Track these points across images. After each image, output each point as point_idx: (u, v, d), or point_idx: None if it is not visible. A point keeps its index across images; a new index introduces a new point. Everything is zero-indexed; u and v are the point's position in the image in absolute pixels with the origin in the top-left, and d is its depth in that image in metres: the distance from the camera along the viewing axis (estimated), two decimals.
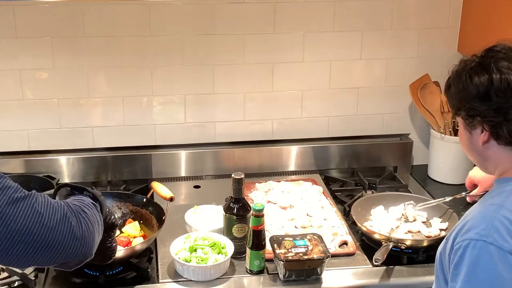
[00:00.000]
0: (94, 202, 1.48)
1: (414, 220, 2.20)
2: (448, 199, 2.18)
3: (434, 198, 2.34)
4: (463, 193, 2.10)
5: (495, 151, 1.44)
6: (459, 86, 1.45)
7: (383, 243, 2.00)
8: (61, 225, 1.28)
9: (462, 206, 2.33)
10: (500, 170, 1.47)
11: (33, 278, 1.87)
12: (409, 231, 2.13)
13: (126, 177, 2.51)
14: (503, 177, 1.46)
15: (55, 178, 2.40)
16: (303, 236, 1.99)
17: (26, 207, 1.23)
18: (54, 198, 1.45)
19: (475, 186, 2.04)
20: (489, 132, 1.42)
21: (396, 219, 2.20)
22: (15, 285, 1.87)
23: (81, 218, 1.34)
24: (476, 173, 2.01)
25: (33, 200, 1.26)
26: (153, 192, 2.21)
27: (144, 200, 2.16)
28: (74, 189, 1.53)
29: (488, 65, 1.40)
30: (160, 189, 2.16)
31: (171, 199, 2.11)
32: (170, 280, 1.92)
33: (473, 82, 1.41)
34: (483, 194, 2.00)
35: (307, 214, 2.25)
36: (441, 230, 2.13)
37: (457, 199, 2.16)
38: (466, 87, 1.43)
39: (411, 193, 2.43)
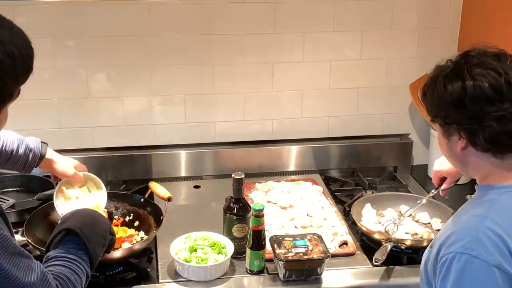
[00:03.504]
0: (85, 259, 1.52)
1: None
2: (423, 201, 2.15)
3: (434, 198, 2.34)
4: (433, 191, 2.07)
5: (474, 157, 1.43)
6: (434, 93, 1.44)
7: (383, 243, 2.00)
8: None
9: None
10: (480, 176, 1.47)
11: None
12: (406, 233, 2.13)
13: (126, 177, 2.51)
14: (484, 184, 1.46)
15: None
16: (303, 236, 1.99)
17: None
18: (53, 240, 1.53)
19: (443, 179, 2.01)
20: (466, 139, 1.41)
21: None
22: None
23: None
24: (442, 166, 1.98)
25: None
26: (151, 192, 2.20)
27: (142, 200, 2.16)
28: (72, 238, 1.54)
29: (461, 72, 1.39)
30: (158, 189, 2.16)
31: (169, 199, 2.11)
32: (170, 280, 1.92)
33: (447, 90, 1.40)
34: (455, 184, 1.99)
35: (307, 214, 2.25)
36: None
37: (431, 198, 2.15)
38: (441, 95, 1.42)
39: (411, 193, 2.43)
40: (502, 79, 1.36)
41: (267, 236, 1.99)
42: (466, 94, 1.37)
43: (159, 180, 2.42)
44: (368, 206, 2.24)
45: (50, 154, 1.99)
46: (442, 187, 2.01)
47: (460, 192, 2.34)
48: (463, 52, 1.44)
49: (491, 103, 1.35)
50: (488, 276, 1.29)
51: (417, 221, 2.21)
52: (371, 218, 2.19)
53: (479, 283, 1.30)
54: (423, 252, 1.99)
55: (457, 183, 2.02)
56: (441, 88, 1.42)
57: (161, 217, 2.04)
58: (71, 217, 1.59)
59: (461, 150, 1.43)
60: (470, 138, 1.40)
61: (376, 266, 1.95)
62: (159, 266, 1.98)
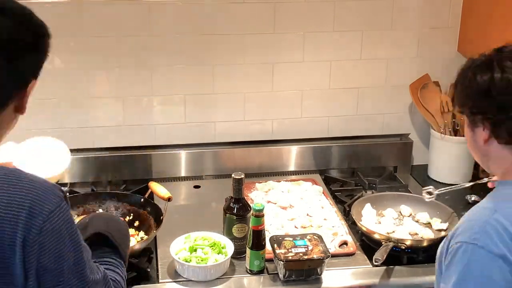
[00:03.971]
0: (120, 261, 1.50)
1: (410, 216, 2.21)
2: (468, 184, 2.19)
3: (434, 198, 2.35)
4: (485, 179, 2.04)
5: (496, 150, 1.44)
6: (464, 83, 1.46)
7: (383, 243, 2.00)
8: None
9: (462, 206, 2.33)
10: (502, 171, 1.47)
11: None
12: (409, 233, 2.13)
13: (126, 177, 2.51)
14: (504, 179, 1.46)
15: None
16: (303, 236, 1.99)
17: None
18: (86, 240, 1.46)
19: None
20: (489, 131, 1.42)
21: (393, 218, 2.21)
22: None
23: None
24: None
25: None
26: (151, 192, 2.21)
27: (142, 200, 2.16)
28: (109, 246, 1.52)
29: (491, 64, 1.41)
30: (158, 189, 2.16)
31: (169, 199, 2.11)
32: (170, 280, 1.92)
33: (476, 80, 1.42)
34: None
35: (307, 214, 2.25)
36: (440, 230, 2.14)
37: (478, 184, 2.15)
38: (470, 85, 1.44)
39: (411, 193, 2.43)
40: None
41: (267, 236, 1.99)
42: (494, 84, 1.39)
43: (159, 180, 2.42)
44: (368, 206, 2.24)
45: None
46: (492, 179, 1.90)
47: (460, 192, 2.35)
48: (498, 47, 1.46)
49: None
50: (494, 266, 1.31)
51: (417, 221, 2.21)
52: (371, 218, 2.19)
53: (484, 273, 1.31)
54: (423, 252, 2.01)
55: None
56: (471, 78, 1.43)
57: (161, 217, 2.04)
58: (97, 219, 1.56)
59: (485, 142, 1.44)
60: (493, 130, 1.41)
61: (376, 266, 1.95)
62: (159, 266, 1.98)
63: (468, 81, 1.44)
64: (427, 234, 2.10)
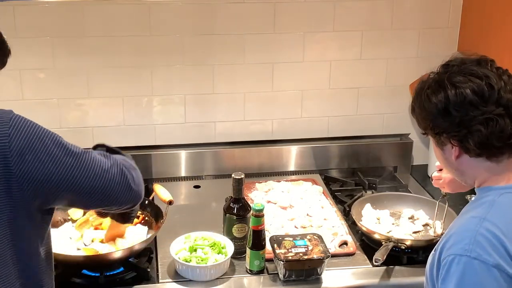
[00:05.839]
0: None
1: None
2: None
3: (434, 198, 2.35)
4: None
5: (469, 164, 1.45)
6: (420, 106, 1.46)
7: (383, 243, 2.00)
8: (119, 176, 1.52)
9: (462, 206, 2.32)
10: (479, 181, 1.48)
11: None
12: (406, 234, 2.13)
13: None
14: (483, 186, 1.47)
15: None
16: (303, 236, 1.99)
17: (88, 161, 1.49)
18: None
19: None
20: (458, 147, 1.42)
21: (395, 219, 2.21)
22: None
23: (133, 173, 1.58)
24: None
25: (92, 154, 1.51)
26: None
27: (146, 202, 2.16)
28: (109, 150, 1.67)
29: (443, 82, 1.41)
30: (161, 192, 2.15)
31: (170, 203, 2.11)
32: (170, 280, 1.92)
33: (432, 101, 1.42)
34: None
35: (307, 214, 2.25)
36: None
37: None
38: (427, 107, 1.44)
39: (411, 193, 2.43)
40: (483, 83, 1.37)
41: (267, 236, 1.99)
42: (449, 102, 1.39)
43: (159, 180, 2.42)
44: (368, 206, 2.24)
45: None
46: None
47: (460, 192, 2.34)
48: (444, 63, 1.47)
49: (475, 107, 1.37)
50: (488, 276, 1.30)
51: (416, 219, 2.21)
52: (371, 218, 2.19)
53: (479, 284, 1.31)
54: (423, 252, 2.01)
55: None
56: (426, 100, 1.44)
57: (162, 220, 2.04)
58: None
59: (456, 158, 1.45)
60: (461, 145, 1.41)
61: (376, 266, 1.95)
62: (159, 266, 1.98)
63: (424, 104, 1.44)
64: (427, 234, 2.10)
